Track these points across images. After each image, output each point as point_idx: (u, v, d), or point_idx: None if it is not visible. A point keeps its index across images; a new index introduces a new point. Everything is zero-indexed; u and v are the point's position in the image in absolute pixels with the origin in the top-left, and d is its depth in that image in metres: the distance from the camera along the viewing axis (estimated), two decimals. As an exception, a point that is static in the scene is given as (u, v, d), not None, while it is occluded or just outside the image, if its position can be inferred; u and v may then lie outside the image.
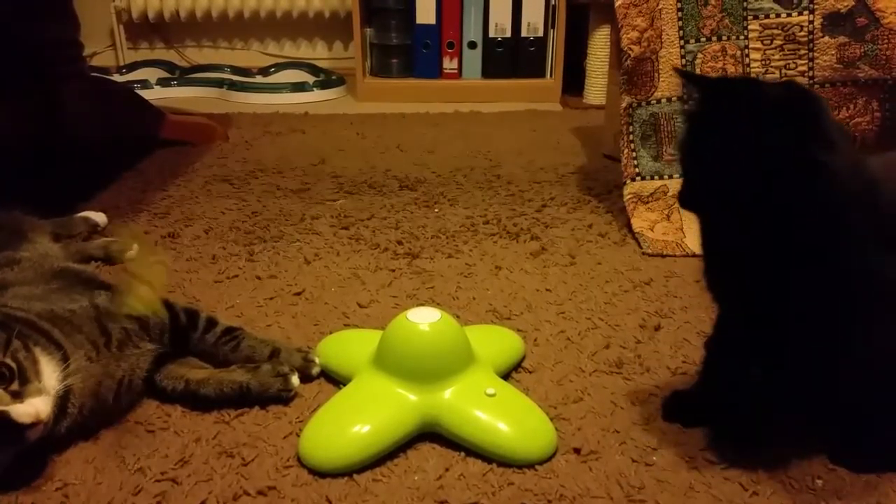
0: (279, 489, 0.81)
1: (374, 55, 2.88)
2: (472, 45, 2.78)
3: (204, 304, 1.20)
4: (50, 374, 0.81)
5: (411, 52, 2.84)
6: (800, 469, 0.84)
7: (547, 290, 1.27)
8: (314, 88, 2.83)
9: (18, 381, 0.77)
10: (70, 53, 1.88)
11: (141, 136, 2.03)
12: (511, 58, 2.78)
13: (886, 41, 1.32)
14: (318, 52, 3.28)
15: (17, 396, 0.77)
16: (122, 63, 3.14)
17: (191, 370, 0.95)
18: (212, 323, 1.01)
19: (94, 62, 3.09)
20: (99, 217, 1.48)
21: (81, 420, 0.85)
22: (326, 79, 2.90)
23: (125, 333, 0.92)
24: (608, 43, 2.40)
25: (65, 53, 1.85)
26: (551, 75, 2.77)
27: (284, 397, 0.94)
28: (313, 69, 2.96)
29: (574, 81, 2.74)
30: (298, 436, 0.88)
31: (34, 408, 0.76)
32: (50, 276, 1.01)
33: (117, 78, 2.83)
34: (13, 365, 0.78)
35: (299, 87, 2.82)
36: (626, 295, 1.25)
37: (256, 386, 0.93)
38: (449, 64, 2.83)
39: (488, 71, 2.80)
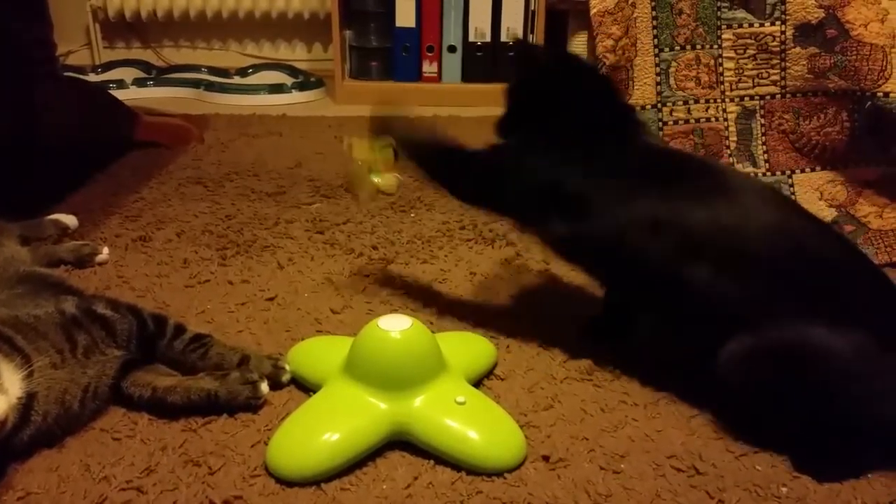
0: (245, 498, 0.80)
1: (353, 57, 2.87)
2: (452, 48, 2.78)
3: (174, 309, 1.19)
4: (11, 379, 0.80)
5: (391, 55, 2.83)
6: (765, 476, 0.85)
7: (521, 295, 1.27)
8: (292, 90, 2.82)
9: None
10: (42, 54, 1.85)
11: (114, 138, 2.01)
12: (491, 62, 2.78)
13: (855, 53, 1.34)
14: (296, 53, 3.27)
15: None
16: (97, 62, 3.11)
17: (158, 377, 0.94)
18: (180, 330, 1.00)
19: (69, 61, 3.05)
20: (69, 220, 1.46)
21: (45, 428, 0.84)
22: (305, 80, 2.89)
23: (91, 340, 0.91)
24: (587, 49, 2.40)
25: (36, 53, 1.83)
26: (530, 80, 2.78)
27: (253, 405, 0.94)
28: (292, 71, 2.95)
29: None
30: (267, 444, 0.87)
31: None
32: (15, 281, 1.00)
33: (93, 77, 2.80)
34: None
35: (277, 88, 2.80)
36: (599, 302, 1.25)
37: (225, 394, 0.92)
38: (428, 67, 2.83)
39: (468, 75, 2.81)
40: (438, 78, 2.84)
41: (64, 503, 0.79)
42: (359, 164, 1.15)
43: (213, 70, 2.97)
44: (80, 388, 0.88)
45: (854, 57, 1.34)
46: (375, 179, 1.15)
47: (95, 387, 0.90)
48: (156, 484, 0.82)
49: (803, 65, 1.40)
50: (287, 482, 0.83)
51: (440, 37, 2.79)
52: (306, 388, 0.99)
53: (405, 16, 2.78)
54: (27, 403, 0.82)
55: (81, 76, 2.73)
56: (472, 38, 2.77)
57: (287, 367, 1.00)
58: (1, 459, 0.83)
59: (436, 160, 1.13)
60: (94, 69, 2.93)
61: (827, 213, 1.42)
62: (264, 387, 0.95)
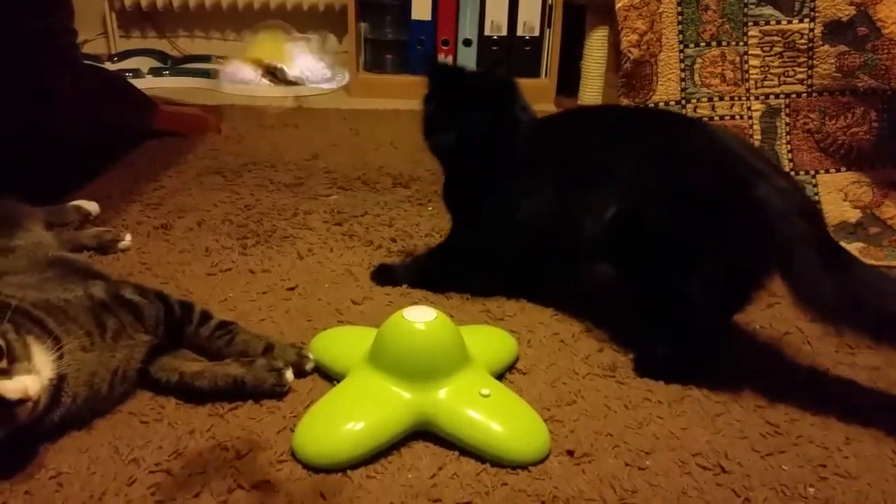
0: (273, 483, 0.81)
1: (368, 50, 2.87)
2: (468, 42, 2.78)
3: (197, 296, 1.19)
4: (43, 360, 0.80)
5: (406, 48, 2.83)
6: (791, 476, 0.85)
7: (541, 290, 1.27)
8: (307, 82, 2.81)
9: (7, 359, 0.77)
10: (64, 41, 1.86)
11: (133, 126, 2.01)
12: (507, 56, 2.78)
13: (887, 51, 1.33)
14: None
15: (6, 374, 0.76)
16: (113, 51, 3.11)
17: (185, 363, 0.94)
18: (206, 317, 1.00)
19: (86, 49, 3.04)
20: (91, 206, 1.46)
21: (75, 409, 0.85)
22: (320, 73, 2.89)
23: (120, 324, 0.91)
24: (605, 45, 2.40)
25: (58, 41, 1.83)
26: (546, 75, 2.77)
27: (278, 392, 0.94)
28: (307, 63, 2.95)
29: (569, 82, 2.74)
30: (292, 431, 0.87)
31: (22, 384, 0.75)
32: (44, 265, 1.00)
33: (109, 66, 2.81)
34: (2, 343, 0.77)
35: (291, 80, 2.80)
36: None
37: (251, 380, 0.92)
38: (443, 61, 2.83)
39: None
40: (454, 72, 2.83)
41: (94, 484, 0.79)
42: None
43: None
44: (108, 372, 0.88)
45: (885, 55, 1.33)
46: None
47: (124, 370, 0.90)
48: (184, 467, 0.82)
49: (832, 63, 1.39)
50: (313, 468, 0.83)
51: (456, 30, 2.78)
52: (329, 377, 0.99)
53: (421, 9, 2.77)
54: (58, 385, 0.82)
55: (99, 65, 2.73)
56: (487, 32, 2.76)
57: (311, 356, 1.00)
58: (33, 439, 0.83)
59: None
60: (111, 58, 2.94)
61: (851, 215, 1.42)
62: (289, 374, 0.95)
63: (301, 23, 3.22)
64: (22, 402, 0.75)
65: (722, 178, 0.98)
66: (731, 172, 0.98)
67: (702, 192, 0.98)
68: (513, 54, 2.77)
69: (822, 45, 1.40)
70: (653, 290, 1.03)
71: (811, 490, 0.83)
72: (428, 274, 1.27)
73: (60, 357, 0.82)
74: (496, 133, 1.16)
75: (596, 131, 1.14)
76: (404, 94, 2.74)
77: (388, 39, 2.83)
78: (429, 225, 1.53)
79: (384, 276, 1.28)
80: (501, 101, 1.17)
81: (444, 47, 2.81)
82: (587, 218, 1.06)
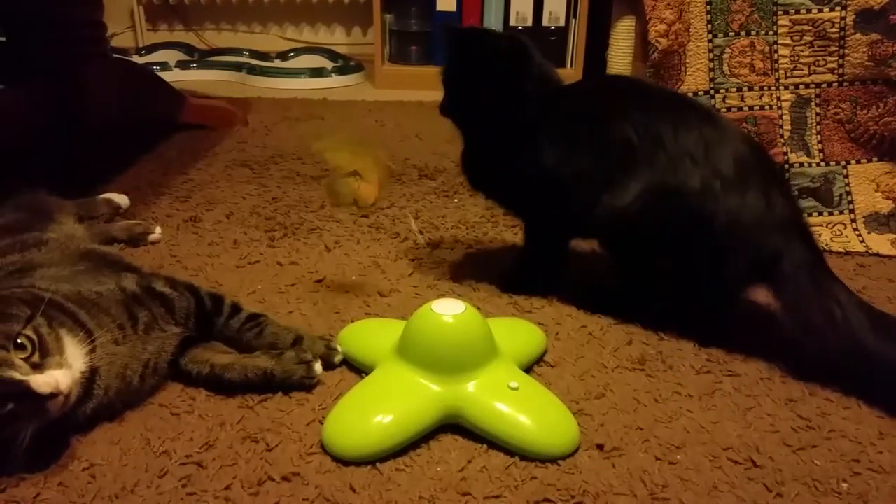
0: (303, 475, 0.81)
1: (393, 42, 2.87)
2: (493, 33, 2.77)
3: (226, 288, 1.20)
4: (75, 353, 0.81)
5: (431, 40, 2.82)
6: (824, 471, 0.84)
7: (568, 283, 1.26)
8: (332, 74, 2.83)
9: (39, 353, 0.78)
10: (93, 34, 1.88)
11: (161, 119, 2.03)
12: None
13: (921, 40, 1.31)
14: (336, 37, 3.27)
15: (38, 368, 0.77)
16: (141, 45, 3.15)
17: (215, 355, 0.95)
18: (236, 309, 1.01)
19: (114, 43, 3.08)
20: (121, 199, 1.48)
21: (107, 401, 0.86)
22: (345, 65, 2.89)
23: (151, 317, 0.92)
24: (631, 34, 2.36)
25: (88, 34, 1.85)
26: (572, 65, 2.75)
27: (307, 384, 0.95)
28: (331, 55, 2.96)
29: (595, 72, 2.72)
30: (321, 423, 0.88)
31: (54, 379, 0.76)
32: (77, 258, 1.01)
33: (136, 59, 2.84)
34: (34, 337, 0.78)
35: (317, 72, 2.81)
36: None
37: (280, 372, 0.93)
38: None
39: (508, 60, 2.79)
40: (479, 63, 2.82)
41: (126, 475, 0.80)
42: (336, 171, 1.10)
43: (255, 53, 2.99)
44: (140, 364, 0.89)
45: (920, 44, 1.31)
46: (354, 186, 1.09)
47: (155, 362, 0.91)
48: (215, 459, 0.83)
49: (863, 52, 1.37)
50: (343, 461, 0.83)
51: (481, 21, 2.77)
52: (357, 369, 0.99)
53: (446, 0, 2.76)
54: (90, 377, 0.83)
55: (128, 58, 2.76)
56: (513, 23, 2.75)
57: (339, 349, 1.00)
58: (65, 431, 0.84)
59: None
60: (138, 51, 2.97)
61: (884, 206, 1.39)
62: (318, 367, 0.95)
63: (325, 15, 3.23)
64: (53, 395, 0.76)
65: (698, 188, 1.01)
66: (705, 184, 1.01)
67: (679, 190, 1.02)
68: (538, 45, 2.75)
69: (854, 33, 1.37)
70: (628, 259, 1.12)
71: (845, 485, 0.82)
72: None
73: (93, 350, 0.83)
74: (497, 98, 1.12)
75: (618, 107, 1.09)
76: (429, 86, 2.73)
77: (413, 31, 2.83)
78: (455, 216, 1.53)
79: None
80: (508, 64, 1.12)
81: (469, 38, 2.80)
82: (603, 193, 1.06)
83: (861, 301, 1.00)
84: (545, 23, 2.74)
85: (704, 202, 1.01)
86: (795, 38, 1.41)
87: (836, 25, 1.38)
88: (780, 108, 1.44)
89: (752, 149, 1.06)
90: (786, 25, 1.41)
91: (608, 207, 1.06)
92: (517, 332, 1.06)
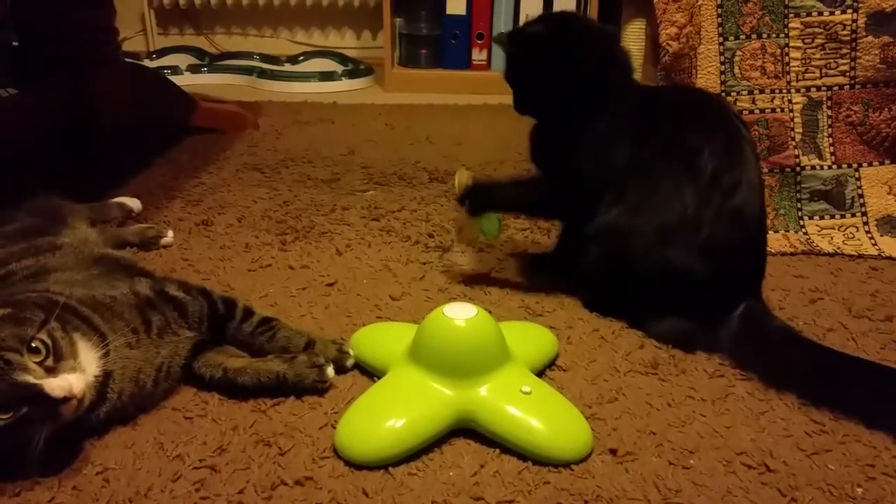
0: (316, 480, 0.81)
1: (402, 45, 2.88)
2: (502, 37, 2.77)
3: (238, 292, 1.20)
4: (88, 357, 0.82)
5: (440, 43, 2.83)
6: (838, 476, 0.83)
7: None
8: (342, 78, 2.84)
9: (53, 357, 0.78)
10: (105, 38, 1.89)
11: (173, 123, 2.04)
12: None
13: (934, 42, 1.30)
14: (346, 41, 3.28)
15: (51, 371, 0.77)
16: (152, 48, 3.16)
17: (228, 358, 0.95)
18: (249, 313, 1.01)
19: (125, 47, 3.10)
20: (134, 203, 1.48)
21: (121, 405, 0.86)
22: (354, 68, 2.90)
23: (164, 321, 0.92)
24: (641, 37, 2.36)
25: (100, 38, 1.86)
26: (581, 69, 2.75)
27: (320, 388, 0.95)
28: (341, 58, 2.97)
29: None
30: (334, 427, 0.88)
31: (67, 382, 0.76)
32: (90, 262, 1.02)
33: (147, 63, 2.85)
34: (48, 341, 0.78)
35: (327, 76, 2.82)
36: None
37: (293, 376, 0.93)
38: (478, 55, 2.83)
39: (517, 63, 2.79)
40: (488, 66, 2.84)
41: (140, 479, 0.81)
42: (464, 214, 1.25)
43: (265, 57, 3.00)
44: (153, 368, 0.90)
45: (932, 46, 1.30)
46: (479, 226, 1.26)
47: (168, 366, 0.91)
48: (228, 463, 0.83)
49: (875, 54, 1.36)
50: (355, 465, 0.83)
51: (490, 24, 2.78)
52: (369, 373, 0.99)
53: (456, 3, 2.77)
54: (103, 381, 0.83)
55: (139, 62, 2.78)
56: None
57: (351, 352, 1.00)
58: (79, 435, 0.85)
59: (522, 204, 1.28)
60: (149, 55, 2.98)
61: (896, 209, 1.39)
62: (330, 370, 0.96)
63: (335, 19, 3.24)
64: (67, 399, 0.76)
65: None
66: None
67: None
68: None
69: (866, 35, 1.37)
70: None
71: (859, 490, 0.81)
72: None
73: (106, 354, 0.83)
74: (581, 92, 1.14)
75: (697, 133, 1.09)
76: (439, 89, 2.75)
77: (423, 34, 2.83)
78: (465, 220, 1.53)
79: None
80: (612, 50, 1.17)
81: (479, 41, 2.80)
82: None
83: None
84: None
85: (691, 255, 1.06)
86: (807, 40, 1.41)
87: (848, 28, 1.38)
88: (791, 110, 1.43)
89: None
90: (797, 28, 1.40)
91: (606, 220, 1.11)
92: (529, 336, 1.06)
